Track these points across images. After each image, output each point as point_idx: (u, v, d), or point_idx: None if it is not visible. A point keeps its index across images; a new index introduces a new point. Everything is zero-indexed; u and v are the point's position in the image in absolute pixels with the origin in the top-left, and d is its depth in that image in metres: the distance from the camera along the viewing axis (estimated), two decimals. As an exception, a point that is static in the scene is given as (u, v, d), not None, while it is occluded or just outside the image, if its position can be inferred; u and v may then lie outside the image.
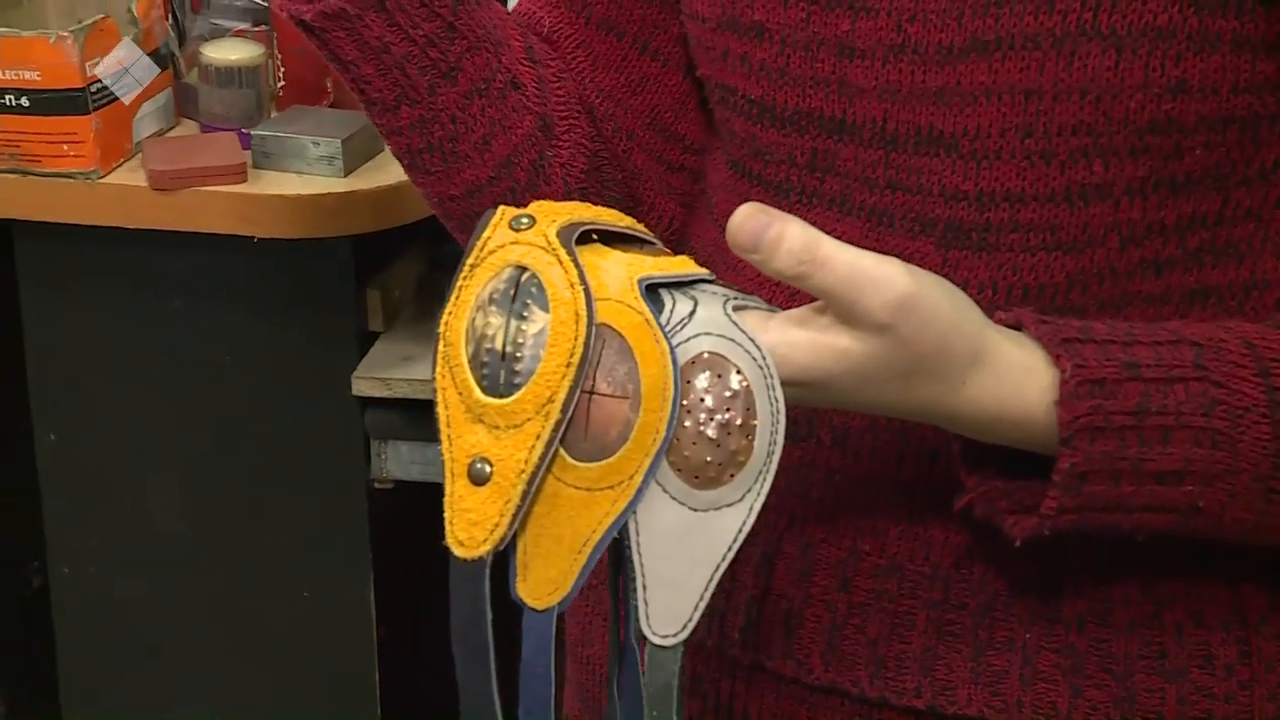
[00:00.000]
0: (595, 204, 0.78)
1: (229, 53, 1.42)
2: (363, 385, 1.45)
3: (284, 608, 1.65)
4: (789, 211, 0.76)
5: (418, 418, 1.46)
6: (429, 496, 0.79)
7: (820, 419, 0.86)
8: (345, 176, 1.39)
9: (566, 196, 0.85)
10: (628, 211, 0.86)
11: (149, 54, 1.43)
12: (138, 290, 1.55)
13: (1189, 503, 0.75)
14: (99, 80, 1.38)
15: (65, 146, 1.43)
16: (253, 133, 1.43)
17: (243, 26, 1.53)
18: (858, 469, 0.86)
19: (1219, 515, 0.76)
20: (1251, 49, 0.77)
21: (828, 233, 0.72)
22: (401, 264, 1.50)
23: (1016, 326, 0.74)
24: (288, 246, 1.44)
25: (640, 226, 0.76)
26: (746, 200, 0.78)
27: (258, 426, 1.55)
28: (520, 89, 0.87)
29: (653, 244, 0.76)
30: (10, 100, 1.40)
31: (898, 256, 0.74)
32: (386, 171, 1.38)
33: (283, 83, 1.44)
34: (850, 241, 0.73)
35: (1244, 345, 0.75)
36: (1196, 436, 0.73)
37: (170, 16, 1.51)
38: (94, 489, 1.67)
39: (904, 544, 0.84)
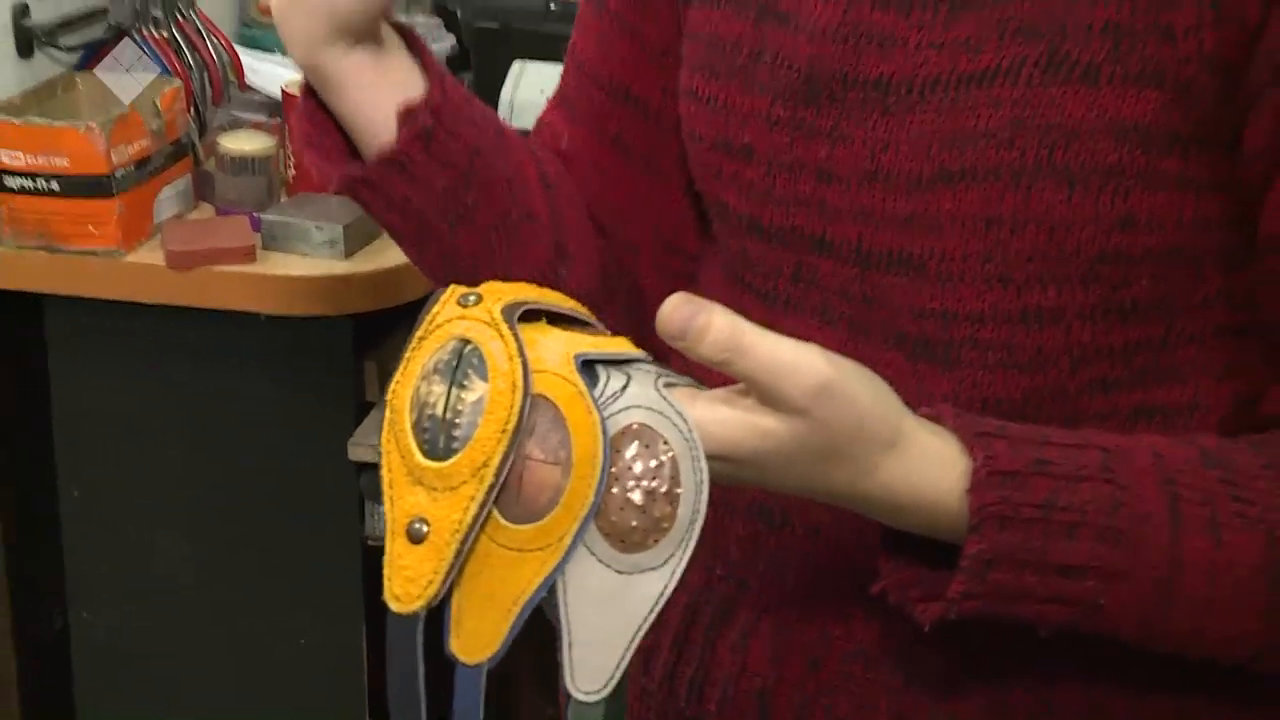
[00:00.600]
0: (602, 311, 0.78)
1: (244, 143, 1.48)
2: (358, 451, 1.50)
3: (283, 650, 1.67)
4: (771, 318, 0.80)
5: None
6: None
7: (794, 510, 0.86)
8: (346, 259, 1.43)
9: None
10: (633, 316, 0.89)
11: (170, 143, 1.47)
12: (154, 359, 1.59)
13: (1090, 598, 0.75)
14: (123, 167, 1.42)
15: (91, 227, 1.46)
16: (263, 217, 1.47)
17: (259, 119, 1.59)
18: (828, 557, 0.86)
19: (1119, 614, 0.76)
20: (1195, 188, 0.78)
21: (811, 340, 0.74)
22: (397, 339, 1.55)
23: (938, 420, 0.75)
24: (292, 322, 1.48)
25: (583, 309, 0.76)
26: (740, 304, 0.81)
27: (262, 485, 1.59)
28: (535, 219, 0.89)
29: (594, 326, 0.76)
30: (42, 184, 1.44)
31: (874, 366, 0.76)
32: (385, 255, 1.42)
33: (293, 171, 1.50)
34: (832, 348, 0.74)
35: (1151, 454, 0.76)
36: (1100, 534, 0.73)
37: (192, 108, 1.55)
38: (111, 539, 1.70)
39: (870, 629, 0.84)
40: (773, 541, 0.86)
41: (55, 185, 1.44)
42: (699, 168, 0.90)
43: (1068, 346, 0.80)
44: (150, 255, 1.48)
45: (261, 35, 2.07)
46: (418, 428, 0.68)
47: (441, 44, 1.93)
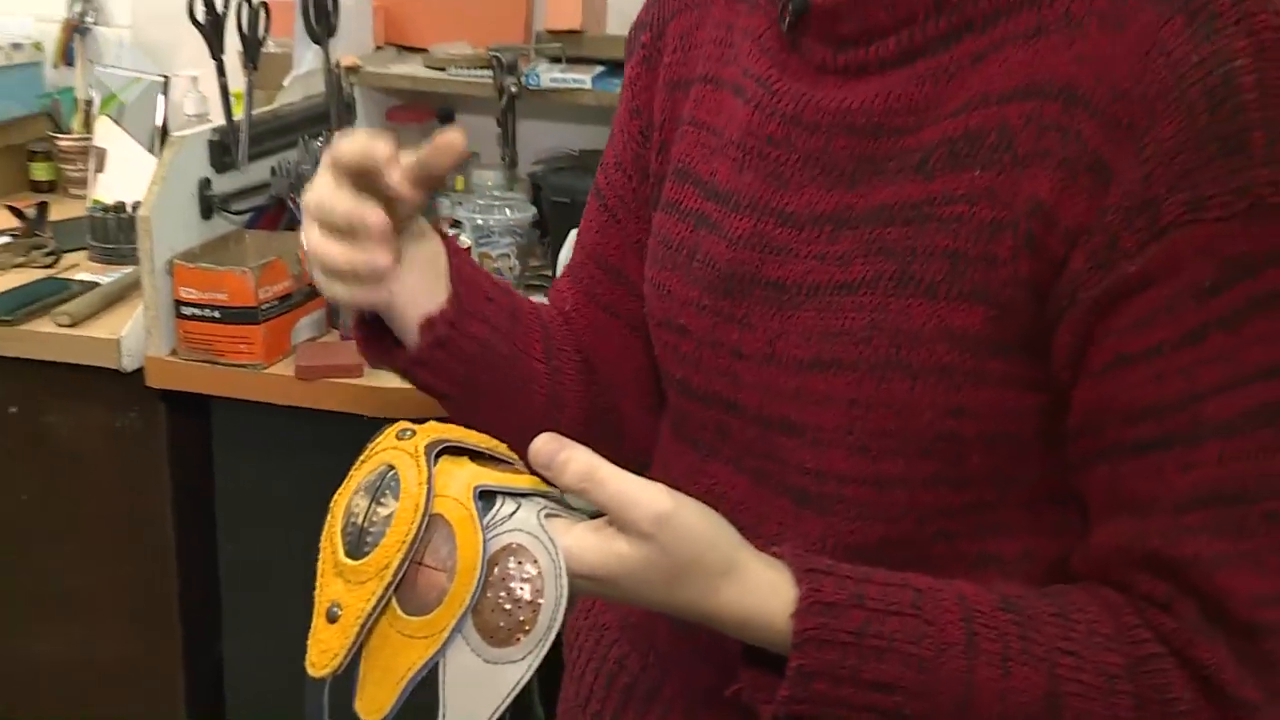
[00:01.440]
0: (591, 443, 0.79)
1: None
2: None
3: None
4: (700, 462, 0.91)
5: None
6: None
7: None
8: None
9: None
10: (617, 443, 0.99)
11: (307, 284, 1.69)
12: (288, 446, 1.82)
13: (898, 710, 0.80)
14: (268, 302, 1.67)
15: (243, 346, 1.71)
16: None
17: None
18: (727, 658, 0.90)
19: None
20: (1017, 385, 0.83)
21: (725, 484, 0.87)
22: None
23: (780, 556, 0.80)
24: (388, 423, 1.68)
25: (503, 448, 0.81)
26: (678, 449, 0.94)
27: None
28: (534, 382, 0.98)
29: (511, 464, 0.81)
30: (208, 312, 1.71)
31: (772, 511, 0.87)
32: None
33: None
34: (740, 494, 0.86)
35: (956, 596, 0.80)
36: (905, 659, 0.78)
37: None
38: (258, 587, 1.93)
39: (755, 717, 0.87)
40: (687, 642, 0.93)
41: (217, 314, 1.70)
42: (653, 340, 0.98)
43: (914, 505, 0.86)
44: (286, 368, 1.74)
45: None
46: (344, 532, 0.76)
47: (525, 213, 2.14)
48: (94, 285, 1.96)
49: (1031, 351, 0.82)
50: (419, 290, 0.92)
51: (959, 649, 0.78)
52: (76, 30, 2.68)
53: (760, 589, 0.78)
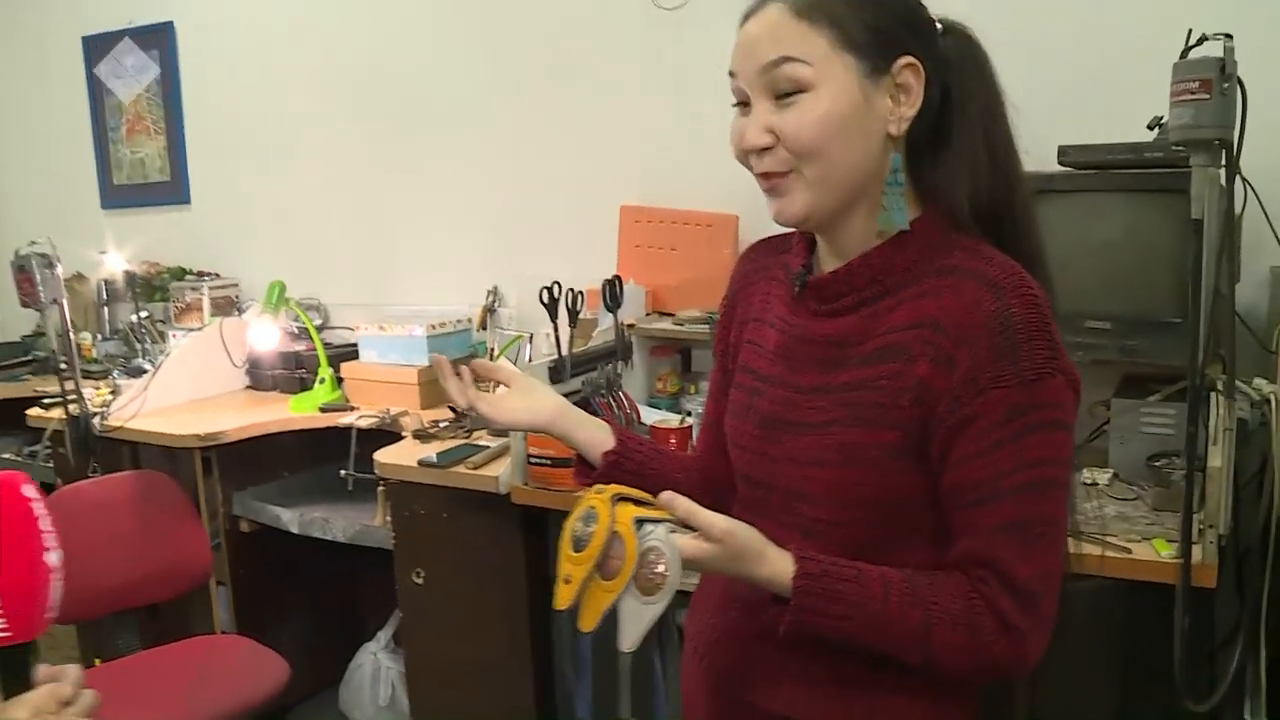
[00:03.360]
0: (702, 504, 1.05)
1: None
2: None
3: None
4: (752, 516, 1.11)
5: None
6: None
7: (717, 618, 1.25)
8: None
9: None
10: (722, 504, 1.17)
11: None
12: None
13: (849, 629, 1.07)
14: None
15: (564, 479, 2.26)
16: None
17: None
18: (731, 637, 1.23)
19: (864, 634, 1.08)
20: (914, 473, 1.10)
21: (763, 526, 1.08)
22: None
23: (788, 550, 1.06)
24: None
25: (655, 501, 1.07)
26: (742, 507, 1.20)
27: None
28: (672, 482, 1.23)
29: (655, 504, 1.06)
30: (544, 461, 2.29)
31: (790, 537, 1.10)
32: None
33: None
34: (772, 530, 1.08)
35: (879, 572, 1.08)
36: (850, 601, 1.06)
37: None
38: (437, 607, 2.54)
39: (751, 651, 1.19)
40: (732, 598, 1.23)
41: (549, 461, 2.32)
42: (730, 452, 1.27)
43: (863, 536, 1.13)
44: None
45: (653, 400, 2.87)
46: (571, 539, 1.05)
47: None
48: (487, 447, 2.64)
49: (920, 456, 1.10)
50: (594, 438, 1.32)
51: (879, 596, 1.07)
52: (488, 310, 3.47)
53: (778, 564, 1.07)
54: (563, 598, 1.05)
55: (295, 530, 3.06)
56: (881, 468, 1.09)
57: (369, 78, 3.73)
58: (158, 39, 4.16)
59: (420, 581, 2.68)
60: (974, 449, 1.05)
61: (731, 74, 1.14)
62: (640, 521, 1.03)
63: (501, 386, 1.36)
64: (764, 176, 1.13)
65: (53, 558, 1.03)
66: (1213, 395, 1.97)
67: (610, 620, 1.05)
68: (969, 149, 1.11)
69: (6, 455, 3.81)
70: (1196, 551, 1.84)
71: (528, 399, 1.34)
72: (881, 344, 1.11)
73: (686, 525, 1.04)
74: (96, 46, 4.33)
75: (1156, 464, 2.21)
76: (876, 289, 1.13)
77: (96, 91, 4.36)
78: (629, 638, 1.05)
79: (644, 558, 1.02)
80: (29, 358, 4.05)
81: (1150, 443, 2.27)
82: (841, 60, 1.07)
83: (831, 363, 1.14)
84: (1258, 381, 2.16)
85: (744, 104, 1.13)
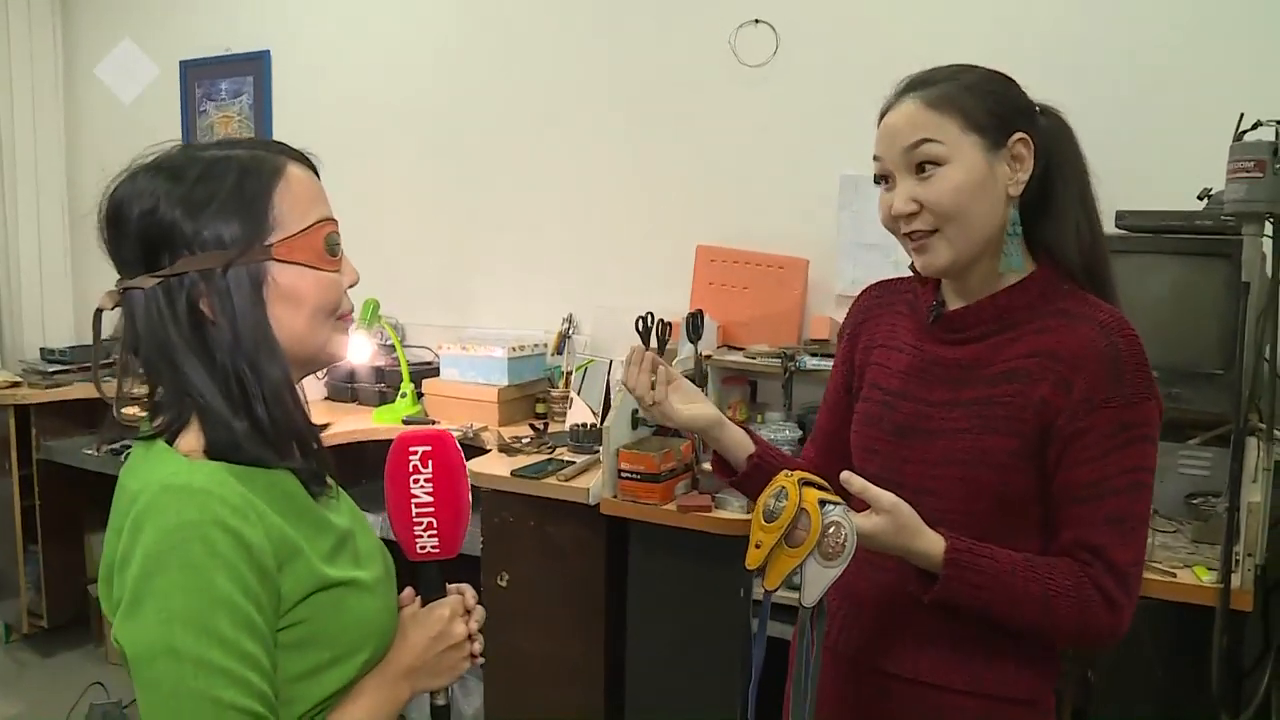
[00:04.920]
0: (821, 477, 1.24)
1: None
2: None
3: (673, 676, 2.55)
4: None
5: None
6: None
7: (865, 583, 1.39)
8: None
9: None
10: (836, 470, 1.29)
11: (684, 464, 2.69)
12: (669, 547, 2.55)
13: (985, 599, 1.23)
14: (664, 471, 2.57)
15: (652, 494, 2.50)
16: (716, 495, 2.63)
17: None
18: (879, 594, 1.40)
19: (996, 606, 1.24)
20: (1031, 474, 1.27)
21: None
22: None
23: (939, 531, 1.23)
24: (736, 537, 2.47)
25: (830, 487, 1.23)
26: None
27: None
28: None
29: (830, 489, 1.22)
30: (634, 476, 2.52)
31: (943, 530, 1.25)
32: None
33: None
34: (916, 505, 1.25)
35: (1008, 554, 1.25)
36: (988, 576, 1.23)
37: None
38: (656, 623, 2.63)
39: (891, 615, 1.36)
40: (879, 576, 1.40)
41: (638, 476, 2.53)
42: (855, 456, 1.43)
43: (985, 524, 1.29)
44: (671, 506, 2.50)
45: None
46: (764, 513, 1.22)
47: (794, 433, 2.80)
48: (571, 463, 2.86)
49: (1037, 460, 1.27)
50: (736, 443, 1.50)
51: (1008, 571, 1.24)
52: (564, 336, 3.61)
53: (932, 542, 1.24)
54: (753, 559, 1.22)
55: (378, 534, 3.17)
56: (1004, 468, 1.27)
57: (459, 113, 3.92)
58: (253, 66, 4.41)
59: (504, 585, 2.85)
60: (1086, 455, 1.24)
61: (876, 158, 1.35)
62: (823, 502, 1.20)
63: (665, 388, 1.53)
64: (909, 236, 1.33)
65: (469, 497, 1.31)
66: (1251, 440, 2.17)
67: (791, 585, 1.22)
68: (1070, 208, 1.31)
69: (89, 451, 4.03)
70: (1235, 578, 2.05)
71: (697, 404, 1.52)
72: (1006, 368, 1.29)
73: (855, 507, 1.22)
74: (193, 72, 4.58)
75: (1195, 501, 2.44)
76: (1000, 324, 1.32)
77: (190, 115, 4.60)
78: (811, 595, 1.21)
79: (826, 530, 1.18)
80: (109, 360, 4.22)
81: (1188, 483, 2.48)
82: (968, 140, 1.27)
83: (959, 382, 1.33)
84: (1290, 430, 2.38)
85: (885, 179, 1.34)
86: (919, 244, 1.33)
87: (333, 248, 1.14)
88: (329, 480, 1.19)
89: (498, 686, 2.96)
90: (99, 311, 1.10)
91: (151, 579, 0.97)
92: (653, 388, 1.48)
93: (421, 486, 1.27)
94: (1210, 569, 2.15)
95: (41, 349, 4.42)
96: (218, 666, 0.97)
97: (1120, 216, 2.50)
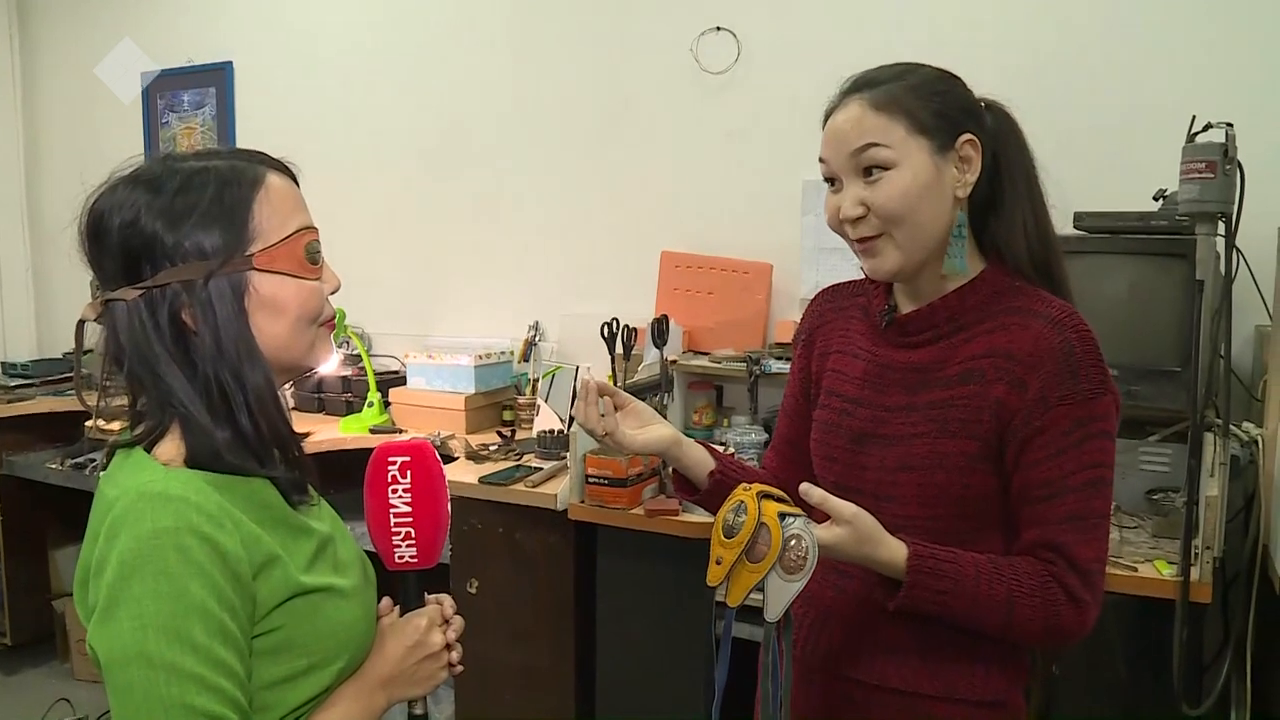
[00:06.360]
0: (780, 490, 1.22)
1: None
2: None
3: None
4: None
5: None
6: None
7: (828, 592, 1.38)
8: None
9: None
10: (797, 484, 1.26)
11: (651, 468, 2.73)
12: (637, 551, 2.57)
13: (948, 603, 1.21)
14: (631, 475, 2.61)
15: (619, 498, 2.55)
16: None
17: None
18: (845, 605, 1.37)
19: (958, 611, 1.23)
20: (990, 474, 1.26)
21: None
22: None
23: (900, 538, 1.21)
24: (699, 540, 2.49)
25: (787, 496, 1.22)
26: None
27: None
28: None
29: (790, 502, 1.20)
30: (601, 481, 2.56)
31: (904, 536, 1.23)
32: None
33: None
34: (877, 515, 1.22)
35: (970, 556, 1.24)
36: (950, 580, 1.21)
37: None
38: (624, 626, 2.64)
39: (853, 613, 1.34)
40: (845, 588, 1.38)
41: (606, 481, 2.58)
42: (815, 464, 1.42)
43: (946, 528, 1.28)
44: (639, 510, 2.53)
45: (689, 431, 3.05)
46: (723, 528, 1.20)
47: (759, 437, 2.81)
48: (539, 469, 2.87)
49: (995, 461, 1.26)
50: (697, 461, 1.44)
51: (971, 575, 1.22)
52: (530, 343, 3.63)
53: (894, 550, 1.23)
54: (714, 576, 1.19)
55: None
56: (962, 471, 1.27)
57: (422, 122, 3.94)
58: (215, 77, 4.39)
59: (474, 591, 2.85)
60: (1043, 454, 1.23)
61: (822, 160, 1.33)
62: (782, 515, 1.18)
63: (619, 413, 1.47)
64: (859, 240, 1.32)
65: (448, 507, 1.31)
66: (1208, 435, 2.22)
67: (754, 604, 1.20)
68: (1018, 205, 1.30)
69: (53, 466, 4.00)
70: (1194, 571, 2.08)
71: (652, 427, 1.46)
72: (961, 370, 1.28)
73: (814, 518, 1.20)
74: (155, 84, 4.55)
75: (1155, 497, 2.48)
76: (953, 325, 1.31)
77: (152, 126, 4.57)
78: (774, 610, 1.18)
79: (787, 544, 1.15)
80: (73, 374, 4.05)
81: (1148, 479, 2.52)
82: (916, 142, 1.26)
83: (915, 386, 1.32)
84: (1246, 425, 2.44)
85: (832, 182, 1.32)
86: (866, 247, 1.32)
87: (313, 256, 1.15)
88: (310, 488, 1.19)
89: (468, 693, 2.96)
90: (81, 323, 1.10)
91: (126, 585, 0.97)
92: (603, 417, 1.44)
93: (400, 497, 1.27)
94: (1171, 563, 2.19)
95: (3, 363, 4.40)
96: (190, 673, 0.97)
97: (1078, 218, 2.53)
